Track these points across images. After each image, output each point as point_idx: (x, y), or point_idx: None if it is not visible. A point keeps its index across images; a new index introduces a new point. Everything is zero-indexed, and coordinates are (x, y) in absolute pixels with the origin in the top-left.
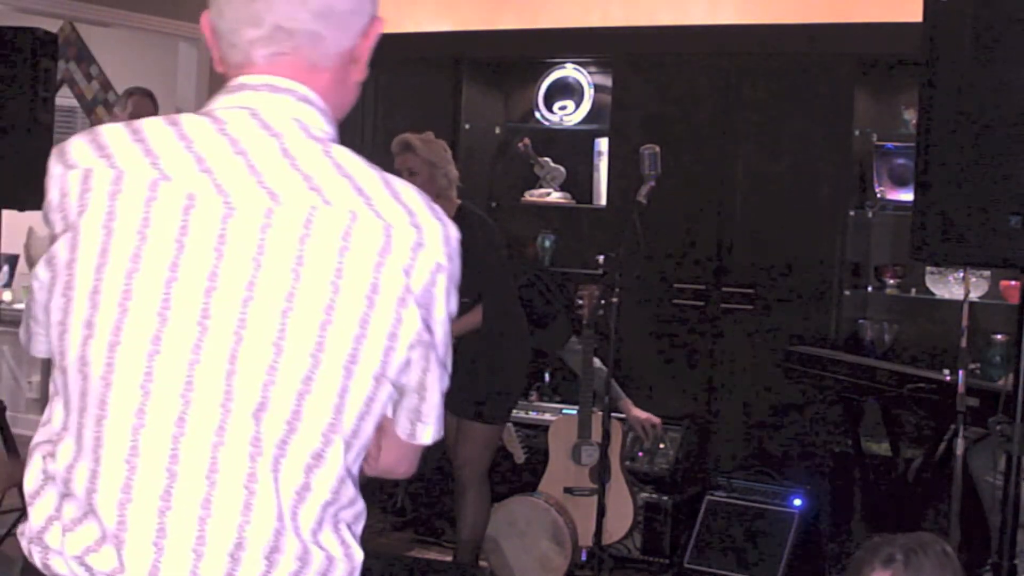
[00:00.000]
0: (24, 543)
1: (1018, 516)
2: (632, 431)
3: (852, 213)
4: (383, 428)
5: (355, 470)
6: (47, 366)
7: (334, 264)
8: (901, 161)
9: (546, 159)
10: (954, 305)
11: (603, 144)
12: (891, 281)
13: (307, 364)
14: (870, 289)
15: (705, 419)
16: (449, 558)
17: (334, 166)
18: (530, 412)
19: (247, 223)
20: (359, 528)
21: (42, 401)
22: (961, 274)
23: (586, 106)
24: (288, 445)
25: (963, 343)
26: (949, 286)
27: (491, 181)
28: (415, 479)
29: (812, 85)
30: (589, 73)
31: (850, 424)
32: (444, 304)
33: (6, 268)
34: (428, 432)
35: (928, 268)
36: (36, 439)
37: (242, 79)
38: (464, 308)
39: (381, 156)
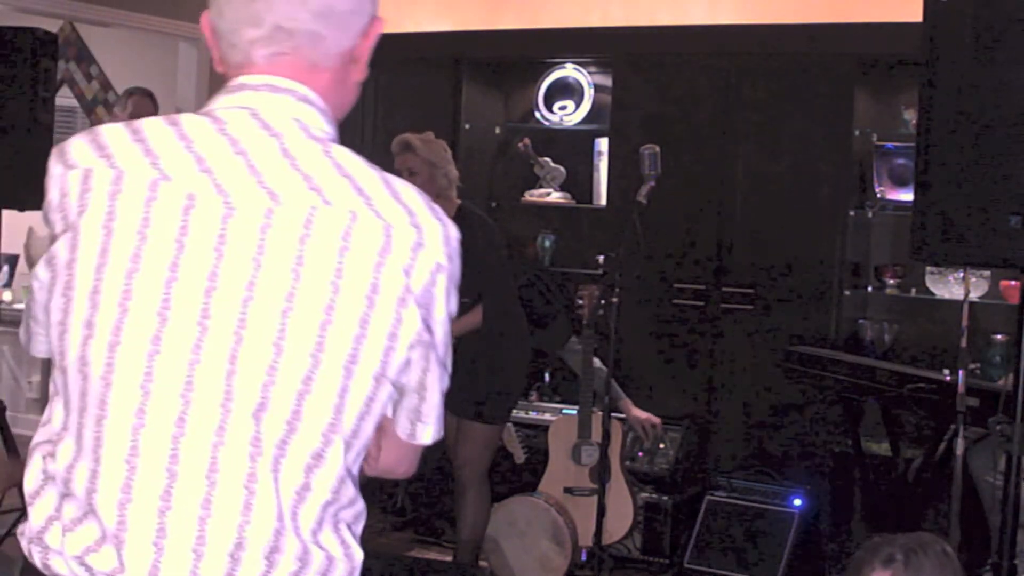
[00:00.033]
0: (24, 543)
1: (1018, 516)
2: (632, 431)
3: (852, 213)
4: (383, 428)
5: (355, 470)
6: (47, 366)
7: (334, 264)
8: (901, 161)
9: (546, 159)
10: (954, 305)
11: (603, 144)
12: (891, 281)
13: (307, 364)
14: (870, 289)
15: (705, 419)
16: (449, 558)
17: (334, 166)
18: (530, 412)
19: (247, 223)
20: (359, 528)
21: (42, 401)
22: (961, 274)
23: (586, 106)
24: (288, 445)
25: (963, 343)
26: (949, 286)
27: (491, 181)
28: (415, 479)
29: (812, 85)
30: (589, 73)
31: (850, 424)
32: (444, 304)
33: (6, 268)
34: (428, 432)
35: (928, 268)
36: (36, 439)
37: (242, 79)
38: (464, 308)
39: (381, 156)
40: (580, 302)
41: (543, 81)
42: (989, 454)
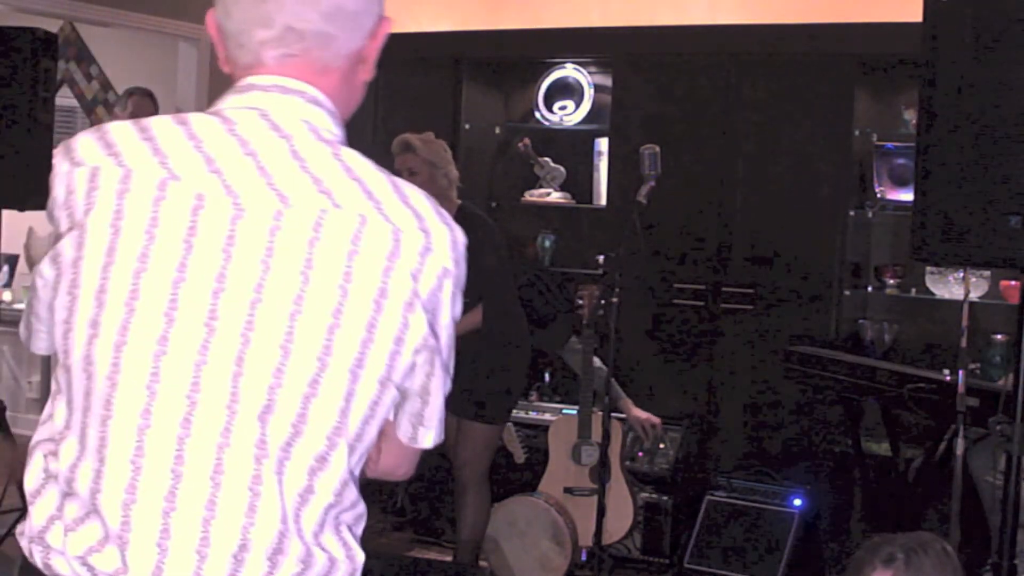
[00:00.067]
0: (24, 542)
1: (1018, 516)
2: (632, 431)
3: (852, 213)
4: (383, 431)
5: (357, 472)
6: (47, 366)
7: (343, 268)
8: (901, 161)
9: (546, 159)
10: (954, 305)
11: (603, 144)
12: (891, 281)
13: (314, 367)
14: (870, 289)
15: (705, 419)
16: (449, 558)
17: (344, 169)
18: (530, 412)
19: (256, 225)
20: (359, 529)
21: (42, 401)
22: (961, 274)
23: (586, 106)
24: (293, 448)
25: (963, 343)
26: (949, 286)
27: (491, 181)
28: (415, 479)
29: (812, 85)
30: (589, 73)
31: (850, 424)
32: (449, 309)
33: (6, 268)
34: (430, 437)
35: (928, 268)
36: (36, 437)
37: (251, 79)
38: (464, 308)
39: (381, 156)
40: (580, 302)
41: (543, 81)
42: (989, 454)
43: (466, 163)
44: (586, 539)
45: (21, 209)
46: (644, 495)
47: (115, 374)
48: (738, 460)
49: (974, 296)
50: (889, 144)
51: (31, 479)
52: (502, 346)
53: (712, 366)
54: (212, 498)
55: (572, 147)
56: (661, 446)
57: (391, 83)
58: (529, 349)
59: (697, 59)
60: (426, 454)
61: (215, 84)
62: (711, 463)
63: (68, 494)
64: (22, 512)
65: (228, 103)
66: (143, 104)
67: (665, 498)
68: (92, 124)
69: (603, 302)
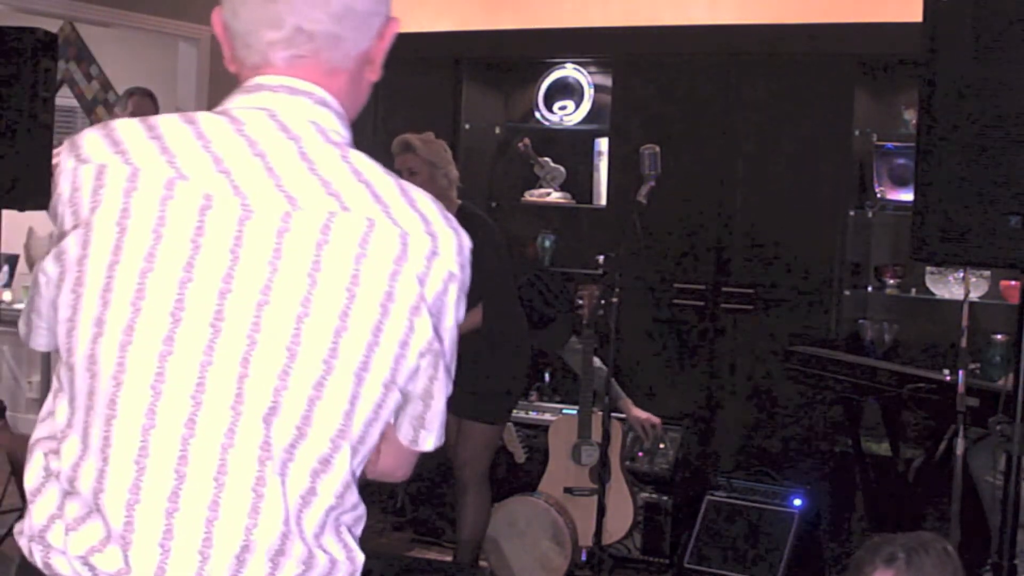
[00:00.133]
0: (24, 541)
1: (1018, 516)
2: (632, 431)
3: (852, 213)
4: (384, 433)
5: (359, 474)
6: (47, 366)
7: (350, 271)
8: (901, 161)
9: (546, 159)
10: (954, 305)
11: (603, 144)
12: (891, 281)
13: (319, 370)
14: (870, 289)
15: (705, 419)
16: (449, 558)
17: (352, 172)
18: (530, 412)
19: (264, 226)
20: (359, 531)
21: (42, 401)
22: (961, 274)
23: (586, 106)
24: (296, 449)
25: (963, 343)
26: (949, 286)
27: (491, 181)
28: (415, 479)
29: (812, 85)
30: (589, 73)
31: (850, 424)
32: (454, 312)
33: (6, 268)
34: (431, 440)
35: (928, 268)
36: (36, 435)
37: (259, 79)
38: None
39: (381, 156)
40: (580, 302)
41: (543, 81)
42: (989, 454)
43: (466, 163)
44: (586, 539)
45: (21, 209)
46: (644, 495)
47: (120, 373)
48: (738, 460)
49: (974, 296)
50: (889, 144)
51: (31, 477)
52: (502, 346)
53: (712, 366)
54: (215, 499)
55: (572, 147)
56: (661, 446)
57: (391, 83)
58: (529, 349)
59: (697, 59)
60: (426, 454)
61: (215, 84)
62: (711, 463)
63: (69, 493)
64: (22, 512)
65: (236, 103)
66: (143, 104)
67: (665, 498)
68: (92, 124)
69: (603, 302)
